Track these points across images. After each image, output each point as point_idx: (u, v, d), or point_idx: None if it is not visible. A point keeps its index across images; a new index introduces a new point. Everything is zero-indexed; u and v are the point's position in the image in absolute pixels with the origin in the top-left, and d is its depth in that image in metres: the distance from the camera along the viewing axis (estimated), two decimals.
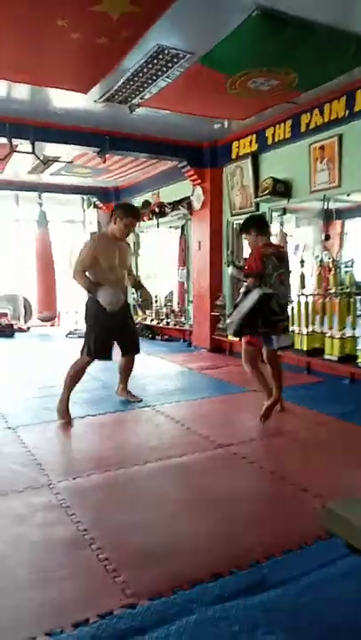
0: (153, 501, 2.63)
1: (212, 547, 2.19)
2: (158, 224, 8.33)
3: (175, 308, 8.60)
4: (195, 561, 2.08)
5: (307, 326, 5.46)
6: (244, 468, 3.06)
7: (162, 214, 8.10)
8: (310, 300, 5.48)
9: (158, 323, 8.75)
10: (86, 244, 4.03)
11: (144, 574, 1.99)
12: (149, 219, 8.48)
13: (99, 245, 3.97)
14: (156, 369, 6.04)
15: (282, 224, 6.46)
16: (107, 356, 4.04)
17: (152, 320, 8.93)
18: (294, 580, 1.93)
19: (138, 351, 4.39)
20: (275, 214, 6.20)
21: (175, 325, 8.36)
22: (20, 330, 9.71)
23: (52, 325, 9.97)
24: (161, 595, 1.85)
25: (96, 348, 3.94)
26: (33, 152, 5.93)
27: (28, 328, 9.95)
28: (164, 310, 8.75)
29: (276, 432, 3.68)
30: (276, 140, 5.87)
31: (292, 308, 5.60)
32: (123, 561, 2.07)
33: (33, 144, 5.85)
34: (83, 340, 4.04)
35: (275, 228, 6.31)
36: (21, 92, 4.95)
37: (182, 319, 8.28)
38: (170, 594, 1.85)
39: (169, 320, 8.53)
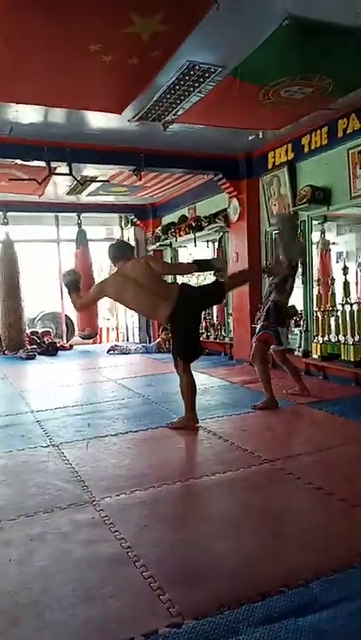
0: (197, 518, 2.58)
1: (258, 565, 2.12)
2: (195, 238, 8.34)
3: (215, 321, 8.56)
4: (241, 579, 2.02)
5: (353, 336, 5.31)
6: (290, 483, 2.97)
7: (199, 228, 8.12)
8: (355, 308, 5.33)
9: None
10: (149, 257, 4.26)
11: (189, 593, 1.94)
12: (186, 233, 8.51)
13: None
14: (197, 383, 5.98)
15: (323, 232, 6.36)
16: None
17: None
18: (347, 601, 1.83)
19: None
20: (314, 222, 6.10)
21: (215, 339, 8.30)
22: (63, 348, 9.89)
23: (94, 343, 10.11)
24: (207, 614, 1.79)
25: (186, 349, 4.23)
26: (70, 173, 6.07)
27: (71, 346, 10.12)
28: (204, 324, 8.70)
29: (323, 447, 3.56)
30: (312, 147, 5.80)
31: (337, 318, 5.48)
32: (167, 579, 2.02)
33: (70, 166, 5.99)
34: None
35: (315, 236, 6.23)
36: (57, 115, 5.10)
37: (222, 332, 8.21)
38: (216, 613, 1.80)
39: (209, 333, 8.48)
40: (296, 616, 1.77)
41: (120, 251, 4.29)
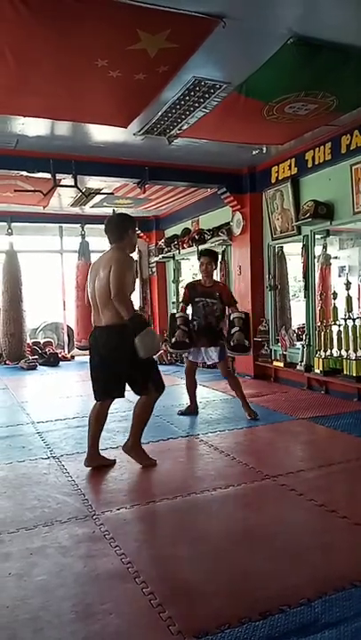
0: (198, 534, 2.56)
1: (259, 583, 2.10)
2: (198, 251, 8.36)
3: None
4: (242, 597, 2.00)
5: (355, 351, 5.29)
6: (292, 500, 2.95)
7: (201, 241, 8.15)
8: (358, 323, 5.33)
9: None
10: (123, 261, 3.35)
11: (190, 611, 1.92)
12: (189, 246, 8.54)
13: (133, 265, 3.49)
14: (199, 397, 5.96)
15: (325, 246, 6.38)
16: None
17: None
18: (349, 621, 1.82)
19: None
20: (317, 237, 6.12)
21: None
22: (65, 358, 9.88)
23: None
24: (208, 633, 1.78)
25: (162, 380, 3.55)
26: (75, 185, 6.11)
27: (72, 357, 10.11)
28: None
29: (325, 462, 3.54)
30: (316, 162, 5.83)
31: (339, 332, 5.47)
32: (168, 596, 2.01)
33: (75, 178, 6.03)
34: (143, 380, 3.47)
35: (317, 250, 6.25)
36: (63, 128, 5.15)
37: None
38: (217, 632, 1.78)
39: None
40: (298, 636, 1.75)
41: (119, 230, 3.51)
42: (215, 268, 5.02)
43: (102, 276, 3.38)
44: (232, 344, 4.67)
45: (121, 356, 3.37)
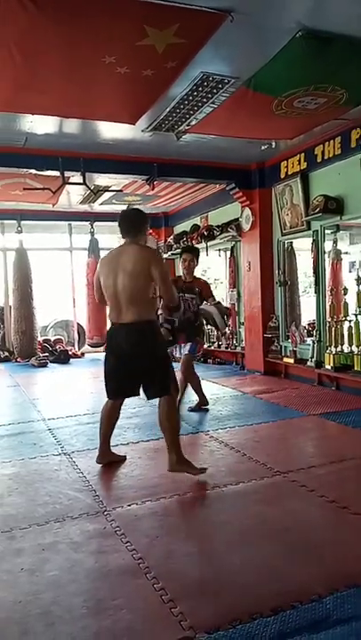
0: (209, 530, 2.56)
1: (270, 578, 2.09)
2: (207, 247, 8.35)
3: (226, 330, 8.53)
4: (253, 593, 2.00)
5: None
6: (303, 496, 2.94)
7: (211, 237, 8.13)
8: None
9: (210, 346, 8.70)
10: (162, 262, 3.43)
11: (201, 606, 1.92)
12: (198, 242, 8.53)
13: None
14: (209, 393, 5.97)
15: (335, 241, 6.34)
16: None
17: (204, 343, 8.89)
18: None
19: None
20: (327, 232, 6.08)
21: (227, 348, 8.28)
22: (75, 355, 9.92)
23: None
24: (219, 628, 1.78)
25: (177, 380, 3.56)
26: (84, 183, 6.12)
27: (83, 354, 10.16)
28: (216, 333, 8.69)
29: (336, 459, 3.52)
30: (325, 157, 5.79)
31: (350, 328, 5.43)
32: (179, 591, 2.01)
33: (84, 175, 6.04)
34: (163, 378, 3.34)
35: (328, 245, 6.21)
36: (72, 126, 5.16)
37: (234, 341, 8.19)
38: (229, 628, 1.78)
39: (220, 343, 8.47)
40: (309, 632, 1.75)
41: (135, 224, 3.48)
42: (196, 265, 5.06)
43: (130, 272, 3.24)
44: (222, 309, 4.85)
45: (143, 352, 3.29)
